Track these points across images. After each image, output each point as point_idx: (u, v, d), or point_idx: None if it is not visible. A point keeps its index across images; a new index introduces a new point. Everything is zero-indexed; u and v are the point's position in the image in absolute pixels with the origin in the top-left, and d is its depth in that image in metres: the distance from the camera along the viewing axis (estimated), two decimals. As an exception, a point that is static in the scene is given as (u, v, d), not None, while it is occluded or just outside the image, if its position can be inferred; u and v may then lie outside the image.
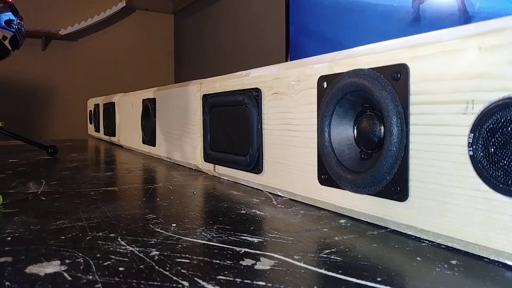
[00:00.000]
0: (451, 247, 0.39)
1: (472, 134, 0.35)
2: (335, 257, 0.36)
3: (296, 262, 0.35)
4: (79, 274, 0.32)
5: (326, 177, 0.52)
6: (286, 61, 1.48)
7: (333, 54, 0.52)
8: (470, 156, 0.35)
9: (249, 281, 0.31)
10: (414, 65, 0.40)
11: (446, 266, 0.34)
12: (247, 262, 0.35)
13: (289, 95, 0.59)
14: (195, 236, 0.43)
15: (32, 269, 0.33)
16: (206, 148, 0.85)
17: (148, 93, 1.24)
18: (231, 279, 0.31)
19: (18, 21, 1.24)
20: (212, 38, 2.91)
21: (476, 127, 0.34)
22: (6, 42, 1.22)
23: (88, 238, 0.42)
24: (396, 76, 0.41)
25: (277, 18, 2.06)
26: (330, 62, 0.51)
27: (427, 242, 0.41)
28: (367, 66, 0.45)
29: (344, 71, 0.48)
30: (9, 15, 1.20)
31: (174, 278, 0.31)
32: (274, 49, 2.13)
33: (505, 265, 0.34)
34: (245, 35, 2.49)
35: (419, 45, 0.40)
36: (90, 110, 2.20)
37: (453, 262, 0.35)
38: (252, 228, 0.46)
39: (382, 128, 0.45)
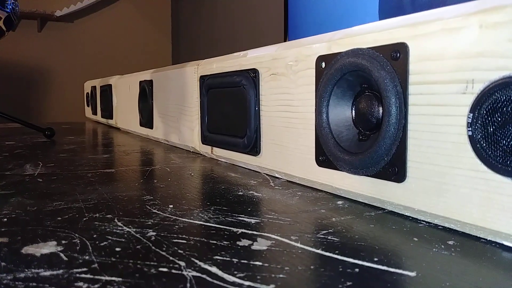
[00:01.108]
0: (448, 228, 0.39)
1: (472, 114, 0.34)
2: (332, 238, 0.36)
3: (293, 243, 0.35)
4: (75, 255, 0.32)
5: (324, 158, 0.51)
6: (285, 41, 1.47)
7: (332, 34, 0.51)
8: (469, 136, 0.35)
9: (245, 261, 0.31)
10: (414, 44, 0.39)
11: (443, 246, 0.34)
12: (244, 242, 0.35)
13: (287, 76, 0.58)
14: (192, 217, 0.42)
15: (28, 249, 0.33)
16: (204, 130, 0.85)
17: (145, 75, 1.23)
18: (228, 259, 0.31)
19: (12, 1, 1.22)
20: (210, 18, 2.87)
21: (476, 107, 0.34)
22: (1, 23, 1.21)
23: (84, 219, 0.42)
24: (396, 56, 0.41)
25: (276, -1, 2.03)
26: (328, 42, 0.50)
27: (424, 223, 0.41)
28: (366, 45, 0.44)
29: (342, 51, 0.47)
30: (2, -5, 1.18)
31: (171, 258, 0.31)
32: (273, 30, 2.11)
33: (502, 246, 0.34)
34: (243, 15, 2.46)
35: (419, 23, 0.39)
36: (87, 93, 2.18)
37: (450, 242, 0.35)
38: (249, 209, 0.46)
39: (380, 108, 0.45)
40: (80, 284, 0.27)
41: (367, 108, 0.46)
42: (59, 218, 0.42)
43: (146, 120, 1.21)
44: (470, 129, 0.34)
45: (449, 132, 0.37)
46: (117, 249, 0.33)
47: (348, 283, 0.27)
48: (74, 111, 2.85)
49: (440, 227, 0.39)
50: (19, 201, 0.49)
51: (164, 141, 1.12)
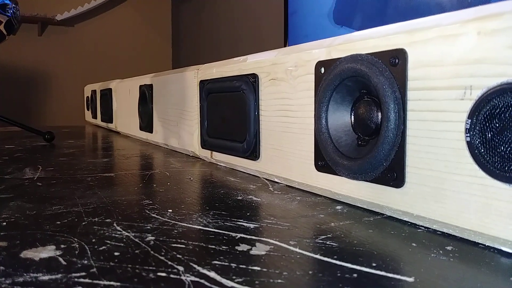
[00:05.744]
0: (446, 233, 0.39)
1: (470, 120, 0.34)
2: (331, 243, 0.36)
3: (291, 248, 0.35)
4: (74, 259, 0.32)
5: (323, 163, 0.51)
6: (285, 46, 1.47)
7: (331, 39, 0.51)
8: (467, 142, 0.35)
9: (244, 266, 0.31)
10: (412, 50, 0.40)
11: (441, 252, 0.34)
12: (243, 247, 0.35)
13: (286, 81, 0.59)
14: (191, 222, 0.42)
15: (27, 253, 0.33)
16: (203, 135, 0.85)
17: (145, 79, 1.23)
18: (227, 264, 0.31)
19: (13, 5, 1.23)
20: (210, 23, 2.88)
21: (474, 113, 0.34)
22: (1, 27, 1.21)
23: (83, 223, 0.42)
24: (394, 62, 0.41)
25: (276, 2, 2.04)
26: (328, 47, 0.51)
27: (422, 228, 0.41)
28: (365, 51, 0.45)
29: (341, 57, 0.48)
30: (3, -1, 1.18)
31: (170, 263, 0.31)
32: (273, 34, 2.12)
33: (500, 251, 0.34)
34: (243, 20, 2.47)
35: (417, 29, 0.39)
36: (87, 97, 2.19)
37: (449, 248, 0.35)
38: (248, 214, 0.46)
39: (379, 114, 0.45)
40: (79, 288, 0.27)
41: (366, 113, 0.46)
42: (58, 222, 0.42)
43: (146, 124, 1.21)
44: (469, 135, 0.35)
45: (447, 138, 0.37)
46: (116, 253, 0.33)
47: (346, 289, 0.27)
48: (74, 115, 2.85)
49: (438, 233, 0.39)
50: (18, 205, 0.49)
51: (163, 145, 1.12)
